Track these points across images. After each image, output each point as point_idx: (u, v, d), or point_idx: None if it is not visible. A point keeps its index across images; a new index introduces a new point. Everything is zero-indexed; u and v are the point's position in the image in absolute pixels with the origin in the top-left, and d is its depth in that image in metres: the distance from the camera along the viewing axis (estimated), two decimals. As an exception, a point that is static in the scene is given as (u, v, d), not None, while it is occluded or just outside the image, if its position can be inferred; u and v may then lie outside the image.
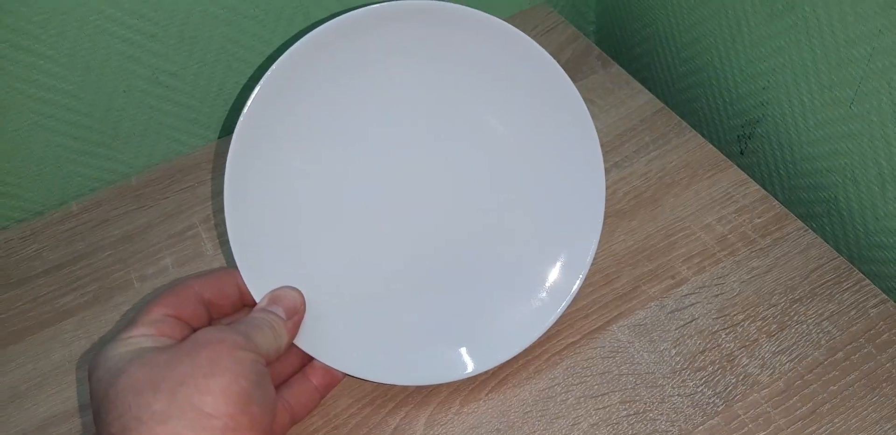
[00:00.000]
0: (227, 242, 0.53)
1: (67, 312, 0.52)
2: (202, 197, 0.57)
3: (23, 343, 0.51)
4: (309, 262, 0.44)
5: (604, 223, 0.52)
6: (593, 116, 0.58)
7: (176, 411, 0.33)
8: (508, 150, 0.48)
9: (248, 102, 0.41)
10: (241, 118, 0.41)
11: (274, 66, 0.40)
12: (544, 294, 0.48)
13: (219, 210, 0.56)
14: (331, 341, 0.44)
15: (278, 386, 0.42)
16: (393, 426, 0.45)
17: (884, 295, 0.48)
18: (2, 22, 0.47)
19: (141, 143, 0.58)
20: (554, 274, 0.48)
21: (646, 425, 0.44)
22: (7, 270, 0.54)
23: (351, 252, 0.46)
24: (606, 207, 0.53)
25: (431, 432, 0.45)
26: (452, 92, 0.46)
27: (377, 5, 0.41)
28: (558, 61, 0.62)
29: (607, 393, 0.46)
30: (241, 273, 0.41)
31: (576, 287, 0.47)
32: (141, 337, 0.37)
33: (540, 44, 0.56)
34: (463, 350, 0.46)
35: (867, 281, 0.48)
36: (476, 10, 0.44)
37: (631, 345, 0.47)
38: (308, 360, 0.44)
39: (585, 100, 0.59)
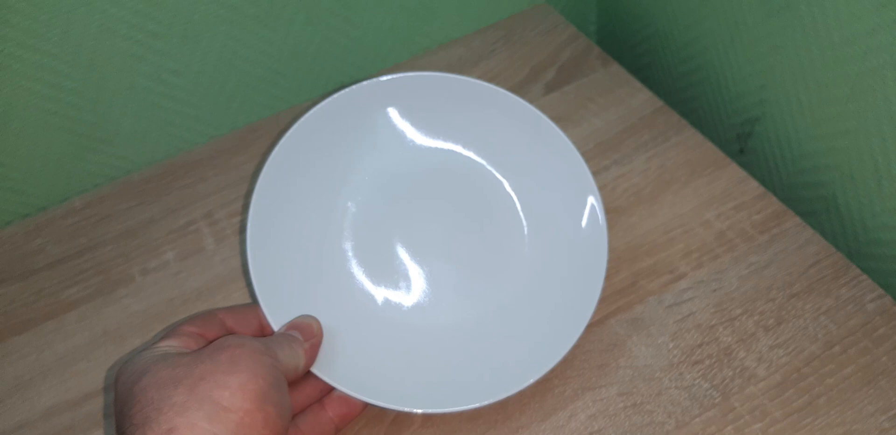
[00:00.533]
0: (228, 236, 0.54)
1: (70, 305, 0.52)
2: (204, 193, 0.57)
3: (26, 334, 0.51)
4: (327, 297, 0.47)
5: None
6: (593, 115, 0.59)
7: (194, 403, 0.34)
8: (512, 202, 0.50)
9: (269, 158, 0.46)
10: (261, 174, 0.46)
11: (291, 130, 0.47)
12: (558, 322, 0.46)
13: (220, 206, 0.56)
14: (349, 370, 0.44)
15: (294, 415, 0.43)
16: (391, 418, 0.46)
17: (881, 290, 0.48)
18: (8, 21, 0.48)
19: (143, 140, 0.59)
20: (565, 304, 0.47)
21: (643, 417, 0.44)
22: (11, 263, 0.55)
23: (367, 288, 0.48)
24: (605, 203, 0.54)
25: (429, 423, 0.45)
26: (462, 154, 0.51)
27: (383, 78, 0.48)
28: (558, 61, 0.63)
29: (605, 386, 0.46)
30: (263, 307, 0.44)
31: (588, 316, 0.46)
32: (166, 347, 0.39)
33: (540, 43, 0.58)
34: (481, 377, 0.45)
35: (864, 276, 0.49)
36: (478, 81, 0.49)
37: (629, 338, 0.48)
38: (326, 393, 0.44)
39: (585, 99, 0.60)
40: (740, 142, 0.61)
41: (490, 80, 0.61)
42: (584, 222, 0.48)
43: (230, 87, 0.59)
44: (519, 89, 0.61)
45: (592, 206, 0.47)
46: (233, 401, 0.35)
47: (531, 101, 0.60)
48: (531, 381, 0.44)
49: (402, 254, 0.49)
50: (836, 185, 0.53)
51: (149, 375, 0.36)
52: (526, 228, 0.50)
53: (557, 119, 0.58)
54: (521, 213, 0.50)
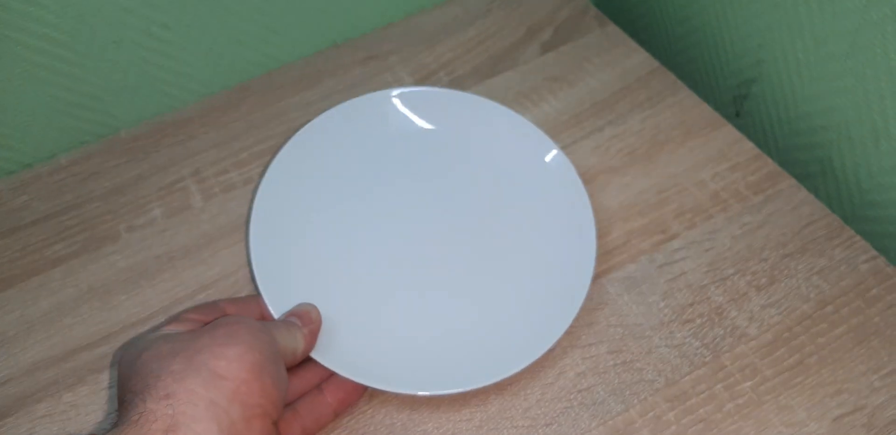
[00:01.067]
0: (216, 194, 0.54)
1: (56, 261, 0.52)
2: (192, 151, 0.57)
3: (11, 290, 0.51)
4: (327, 286, 0.48)
5: (595, 180, 0.52)
6: (589, 75, 0.58)
7: (192, 371, 0.35)
8: (501, 185, 0.52)
9: (277, 155, 0.50)
10: (268, 169, 0.50)
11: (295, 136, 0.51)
12: (549, 307, 0.46)
13: (209, 163, 0.56)
14: (349, 355, 0.44)
15: (294, 400, 0.43)
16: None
17: (874, 251, 0.47)
18: (-5, -31, 0.47)
19: (132, 97, 0.58)
20: (556, 287, 0.47)
21: (632, 375, 0.44)
22: (-4, 219, 0.54)
23: (365, 278, 0.48)
24: (599, 165, 0.53)
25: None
26: (450, 158, 0.53)
27: (374, 93, 0.53)
28: (555, 21, 0.62)
29: (594, 343, 0.45)
30: (263, 296, 0.45)
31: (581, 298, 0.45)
32: (168, 330, 0.40)
33: (537, 3, 0.58)
34: (481, 360, 0.45)
35: (858, 237, 0.48)
36: (471, 95, 0.53)
37: (619, 297, 0.47)
38: (325, 379, 0.44)
39: (581, 59, 0.59)
40: (736, 105, 0.60)
41: (485, 40, 0.61)
42: (557, 182, 0.50)
43: (221, 43, 0.58)
44: (515, 49, 0.60)
45: (557, 155, 0.50)
46: (229, 370, 0.35)
47: (527, 62, 0.60)
48: (534, 358, 0.43)
49: (399, 240, 0.50)
50: (833, 146, 0.52)
51: (149, 351, 0.37)
52: (513, 208, 0.50)
53: (553, 79, 0.58)
54: (508, 194, 0.51)
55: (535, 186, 0.51)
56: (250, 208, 0.49)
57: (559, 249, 0.48)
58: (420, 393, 0.42)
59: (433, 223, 0.50)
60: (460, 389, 0.42)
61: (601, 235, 0.50)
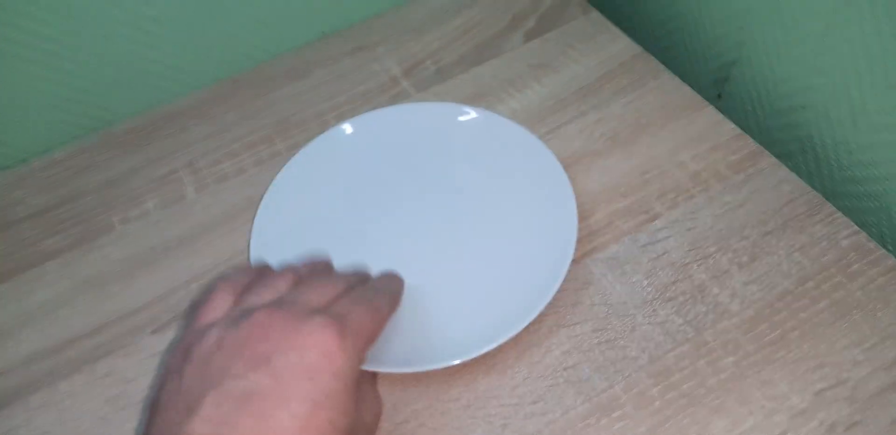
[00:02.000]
0: (209, 185, 0.54)
1: (51, 254, 0.53)
2: (185, 143, 0.57)
3: (7, 284, 0.52)
4: None
5: (579, 164, 0.53)
6: (573, 61, 0.59)
7: None
8: (485, 188, 0.53)
9: (290, 161, 0.53)
10: (282, 170, 0.53)
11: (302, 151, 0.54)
12: (532, 282, 0.46)
13: (201, 155, 0.57)
14: None
15: None
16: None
17: (855, 227, 0.48)
18: (-17, -34, 0.48)
19: (124, 90, 0.59)
20: (539, 261, 0.47)
21: (616, 352, 0.45)
22: (-8, 214, 0.55)
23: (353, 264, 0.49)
24: (583, 148, 0.54)
25: (406, 363, 0.46)
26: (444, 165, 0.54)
27: (381, 110, 0.56)
28: (539, 9, 0.62)
29: (579, 322, 0.46)
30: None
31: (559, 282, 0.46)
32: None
33: None
34: (465, 337, 0.45)
35: (839, 214, 0.48)
36: (459, 105, 0.55)
37: (603, 277, 0.48)
38: None
39: (566, 46, 0.60)
40: (718, 87, 0.60)
41: (471, 29, 0.62)
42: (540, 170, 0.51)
43: (210, 36, 0.59)
44: (500, 37, 0.61)
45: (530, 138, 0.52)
46: None
47: (512, 49, 0.60)
48: (518, 329, 0.44)
49: (385, 229, 0.51)
50: (812, 124, 0.53)
51: None
52: (496, 193, 0.52)
53: (538, 66, 0.59)
54: (490, 183, 0.52)
55: (515, 172, 0.52)
56: (264, 193, 0.52)
57: (541, 223, 0.49)
58: (409, 370, 0.43)
59: (418, 210, 0.51)
60: (447, 364, 0.43)
61: (585, 217, 0.50)
